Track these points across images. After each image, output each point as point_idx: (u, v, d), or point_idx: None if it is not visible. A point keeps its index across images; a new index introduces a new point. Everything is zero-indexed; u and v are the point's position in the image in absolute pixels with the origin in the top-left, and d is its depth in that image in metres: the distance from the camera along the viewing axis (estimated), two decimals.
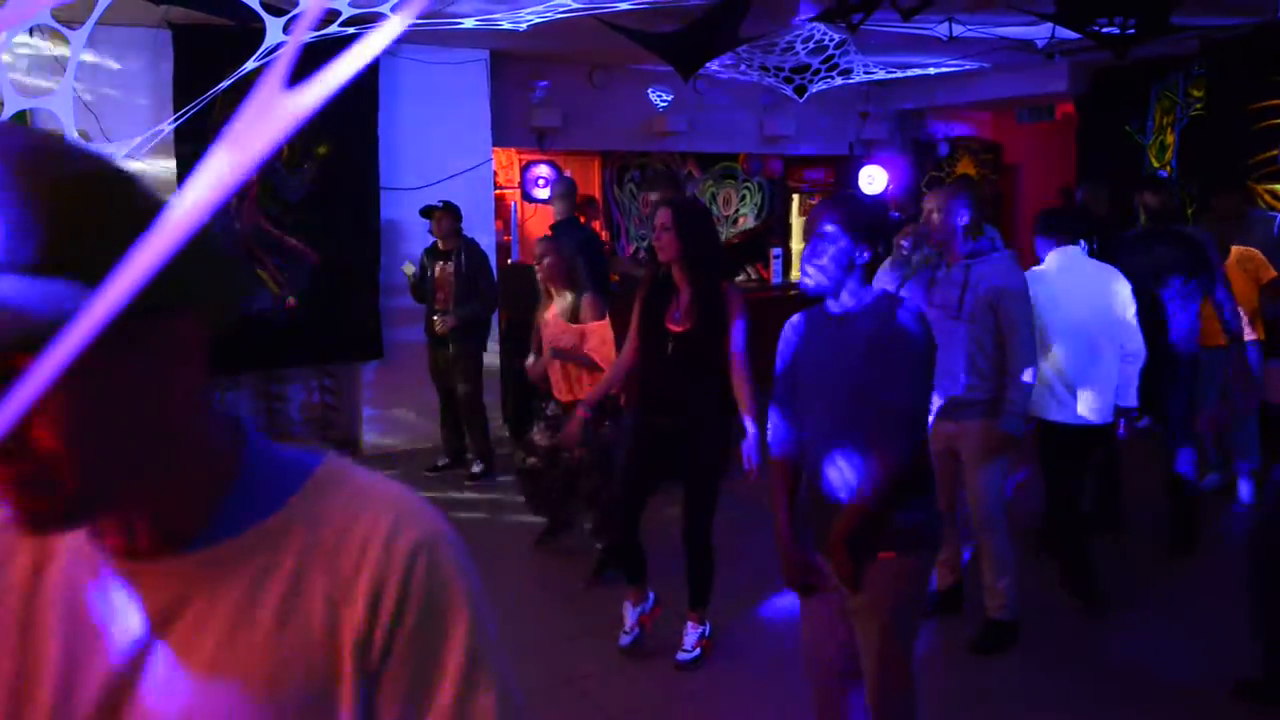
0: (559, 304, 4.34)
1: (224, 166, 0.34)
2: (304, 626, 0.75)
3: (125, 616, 0.73)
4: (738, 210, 9.83)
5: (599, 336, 4.18)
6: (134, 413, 0.67)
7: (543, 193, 8.12)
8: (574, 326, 4.25)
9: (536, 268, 4.44)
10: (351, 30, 4.07)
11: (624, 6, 4.43)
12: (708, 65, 5.71)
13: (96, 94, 5.49)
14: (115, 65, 5.61)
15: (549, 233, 5.82)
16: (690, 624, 3.70)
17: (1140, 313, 4.46)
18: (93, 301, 0.36)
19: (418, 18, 4.54)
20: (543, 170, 8.27)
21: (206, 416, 0.76)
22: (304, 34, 0.35)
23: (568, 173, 8.09)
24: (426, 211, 5.93)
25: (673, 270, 3.49)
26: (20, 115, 2.93)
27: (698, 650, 3.66)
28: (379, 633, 0.76)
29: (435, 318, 5.85)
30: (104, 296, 0.35)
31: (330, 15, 3.42)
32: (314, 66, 0.34)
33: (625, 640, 3.76)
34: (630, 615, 3.79)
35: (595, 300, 4.28)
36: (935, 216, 3.63)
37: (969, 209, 3.62)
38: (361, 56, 0.34)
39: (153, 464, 0.70)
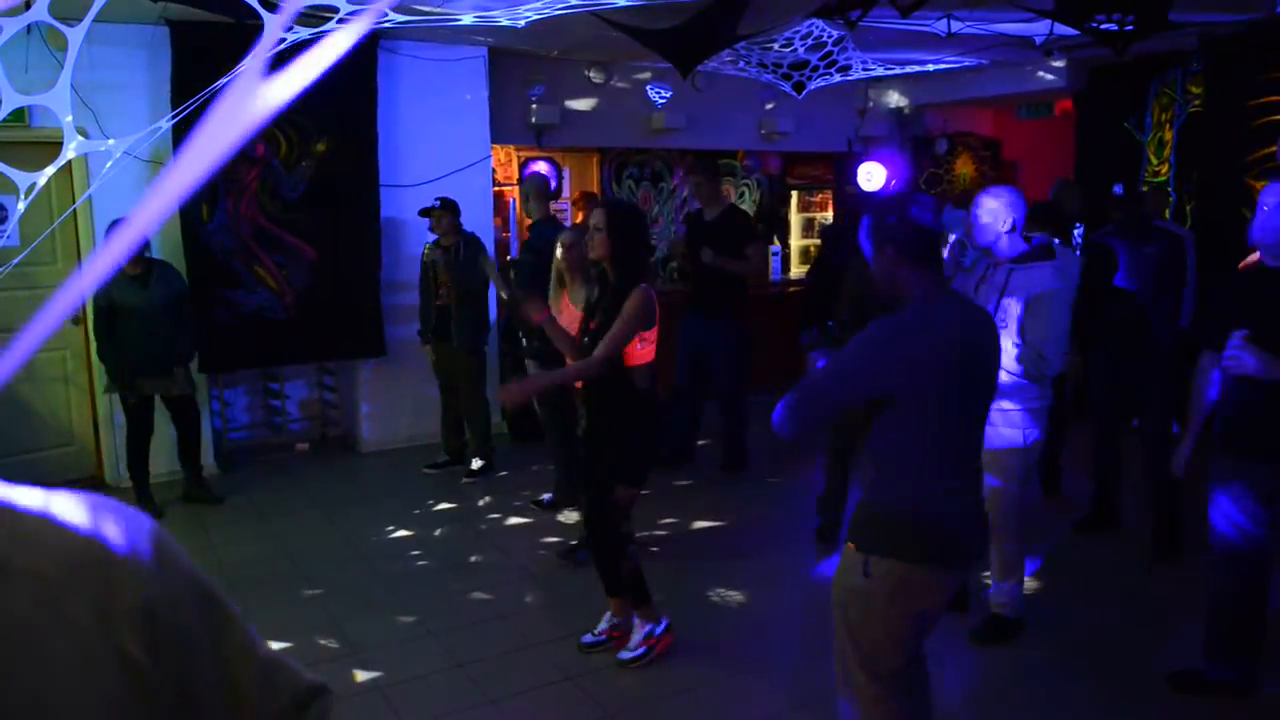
0: (575, 293, 4.33)
1: (195, 162, 0.34)
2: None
3: None
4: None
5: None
6: None
7: None
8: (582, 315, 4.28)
9: (558, 254, 4.41)
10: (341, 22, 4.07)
11: (623, 3, 4.42)
12: (706, 62, 5.70)
13: (94, 91, 5.48)
14: (113, 62, 5.61)
15: (527, 234, 5.87)
16: (636, 621, 3.70)
17: (1123, 312, 4.52)
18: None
19: (417, 14, 4.54)
20: (541, 167, 8.28)
21: None
22: (283, 24, 0.36)
23: (539, 169, 8.08)
24: (425, 213, 5.93)
25: (605, 269, 3.55)
26: (18, 113, 2.92)
27: (641, 649, 3.65)
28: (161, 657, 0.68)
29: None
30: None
31: (329, 11, 3.41)
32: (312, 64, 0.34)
33: (586, 638, 3.80)
34: (604, 622, 3.82)
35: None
36: (984, 219, 3.62)
37: (1014, 212, 3.60)
38: (338, 47, 0.34)
39: None
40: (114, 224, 4.98)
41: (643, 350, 3.51)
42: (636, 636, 3.68)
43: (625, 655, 3.65)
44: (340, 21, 3.35)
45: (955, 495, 2.34)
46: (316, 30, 3.43)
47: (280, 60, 0.33)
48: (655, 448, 3.62)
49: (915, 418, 2.27)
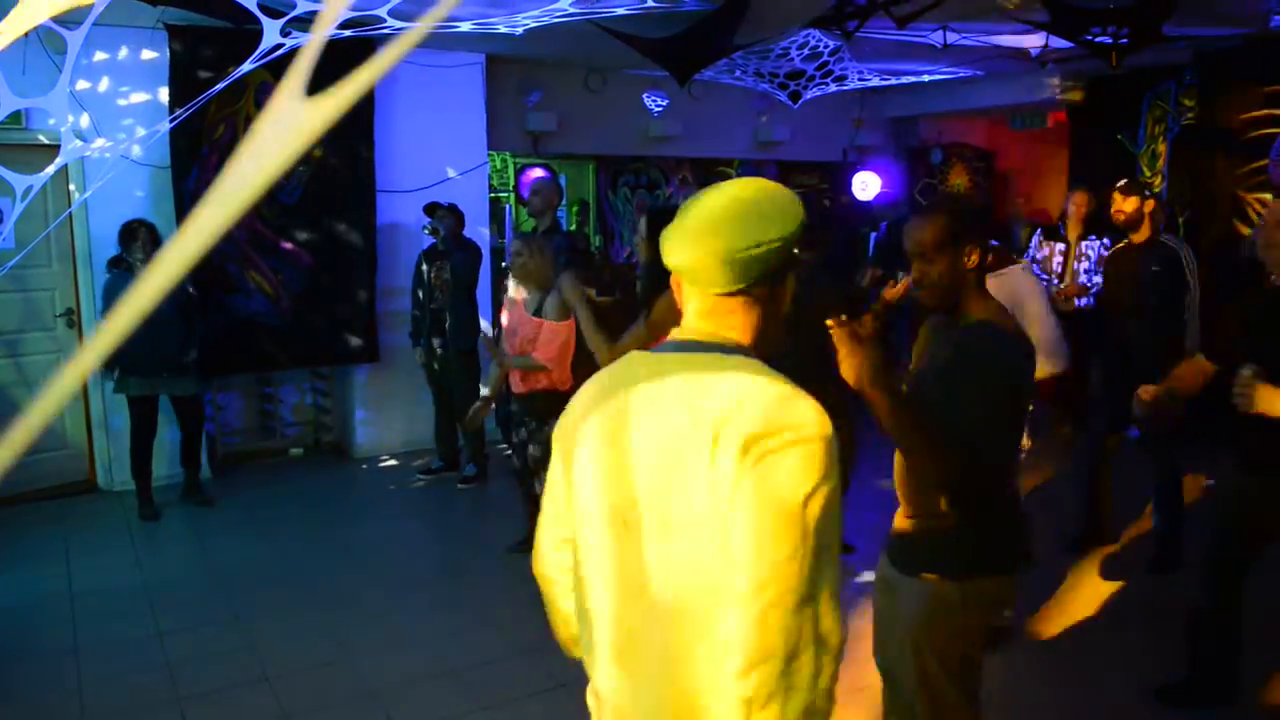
0: (526, 296, 4.45)
1: (246, 176, 0.34)
2: None
3: None
4: None
5: (551, 333, 4.30)
6: None
7: None
8: (533, 319, 4.35)
9: (513, 262, 4.51)
10: (347, 33, 4.07)
11: (620, 11, 4.44)
12: (703, 71, 5.72)
13: (92, 94, 5.47)
14: (111, 65, 5.60)
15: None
16: None
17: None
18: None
19: (413, 20, 4.52)
20: (538, 174, 8.29)
21: None
22: (320, 41, 0.36)
23: (545, 174, 8.08)
24: (431, 208, 5.92)
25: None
26: (14, 115, 2.92)
27: None
28: None
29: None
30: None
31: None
32: (309, 67, 0.34)
33: None
34: None
35: (562, 302, 4.37)
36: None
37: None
38: (383, 65, 0.34)
39: None
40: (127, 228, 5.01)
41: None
42: None
43: None
44: (339, 27, 3.36)
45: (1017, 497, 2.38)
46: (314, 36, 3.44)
47: (319, 78, 0.33)
48: None
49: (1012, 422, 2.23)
